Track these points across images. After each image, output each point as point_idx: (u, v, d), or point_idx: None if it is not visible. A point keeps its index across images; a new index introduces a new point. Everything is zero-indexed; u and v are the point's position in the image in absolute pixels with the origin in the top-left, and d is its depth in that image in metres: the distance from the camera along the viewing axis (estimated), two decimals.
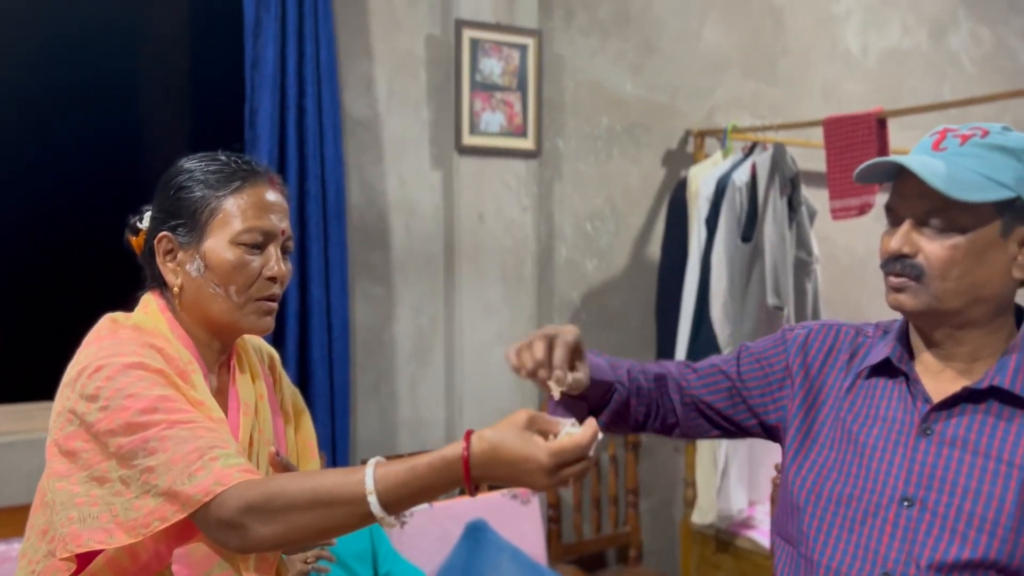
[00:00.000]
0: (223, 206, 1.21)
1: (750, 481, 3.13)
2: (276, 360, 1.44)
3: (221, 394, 1.26)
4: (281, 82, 2.48)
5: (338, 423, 2.60)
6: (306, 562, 1.44)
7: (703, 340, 2.94)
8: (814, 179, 3.27)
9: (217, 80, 2.78)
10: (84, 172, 2.71)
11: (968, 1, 4.01)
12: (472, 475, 0.98)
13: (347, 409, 2.63)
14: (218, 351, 1.26)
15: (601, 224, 3.17)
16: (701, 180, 3.02)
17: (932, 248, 1.10)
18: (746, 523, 3.16)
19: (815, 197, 3.11)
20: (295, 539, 1.04)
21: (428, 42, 2.80)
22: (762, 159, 2.93)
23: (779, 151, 2.91)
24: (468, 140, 2.84)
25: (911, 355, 1.19)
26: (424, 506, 2.62)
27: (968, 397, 1.13)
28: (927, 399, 1.15)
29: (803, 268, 3.00)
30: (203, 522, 1.05)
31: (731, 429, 1.33)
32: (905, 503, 1.11)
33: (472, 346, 2.88)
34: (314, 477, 1.05)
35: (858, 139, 2.65)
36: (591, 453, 0.99)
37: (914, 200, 1.11)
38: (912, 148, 1.18)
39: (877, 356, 1.20)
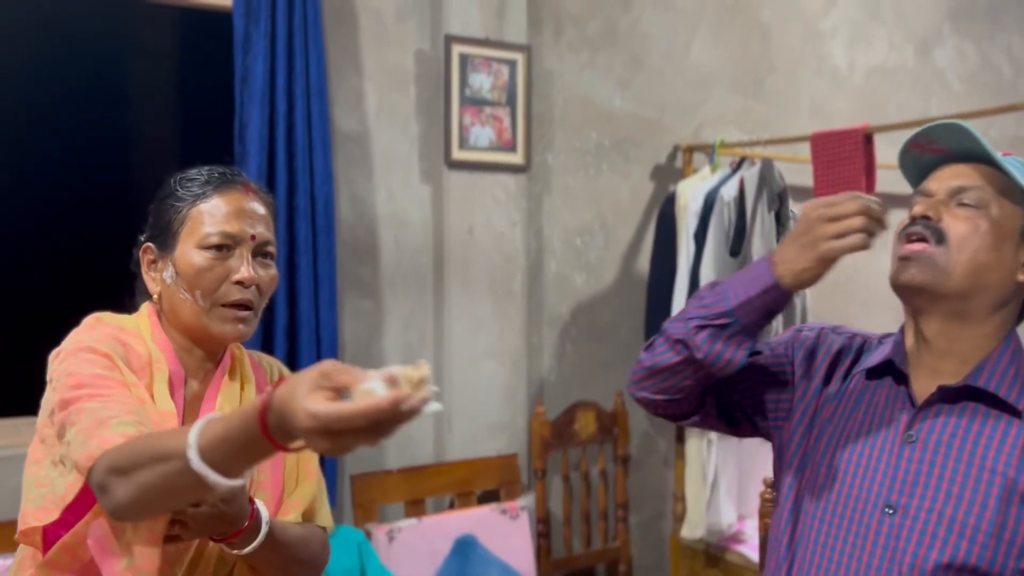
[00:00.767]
0: (192, 213, 1.25)
1: (739, 495, 3.13)
2: (285, 374, 1.43)
3: (200, 400, 1.28)
4: (271, 97, 2.49)
5: None
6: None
7: None
8: (801, 194, 3.29)
9: (206, 95, 2.78)
10: (73, 188, 2.71)
11: (953, 18, 4.05)
12: (268, 423, 0.88)
13: None
14: (201, 358, 1.28)
15: (590, 238, 3.18)
16: (689, 195, 3.03)
17: (956, 220, 1.14)
18: (735, 537, 3.16)
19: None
20: (146, 500, 1.00)
21: (418, 57, 2.82)
22: (750, 174, 2.94)
23: (767, 166, 2.93)
24: (457, 155, 2.85)
25: (907, 359, 1.21)
26: (412, 521, 2.62)
27: (945, 398, 1.14)
28: (914, 403, 1.16)
29: None
30: (93, 491, 1.06)
31: (736, 425, 1.34)
32: (888, 510, 1.12)
33: (461, 360, 2.88)
34: (158, 435, 1.04)
35: (845, 154, 2.67)
36: (397, 420, 0.81)
37: (951, 180, 1.16)
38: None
39: (875, 359, 1.22)
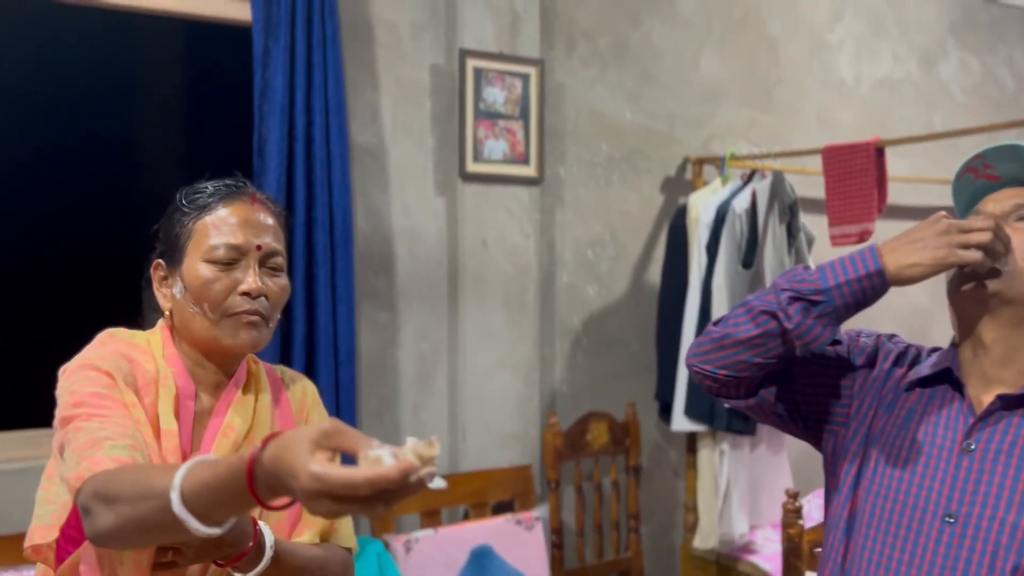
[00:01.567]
0: (197, 227, 1.24)
1: (751, 506, 3.14)
2: (309, 396, 1.40)
3: (208, 414, 1.26)
4: (290, 111, 2.51)
5: None
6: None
7: None
8: (810, 206, 3.32)
9: (222, 108, 2.80)
10: (90, 201, 2.72)
11: (957, 32, 4.10)
12: (256, 479, 0.86)
13: None
14: (214, 372, 1.27)
15: (601, 250, 3.20)
16: (701, 207, 3.06)
17: (1018, 234, 1.17)
18: (747, 548, 3.17)
19: (811, 223, 3.16)
20: (126, 534, 0.98)
21: (433, 71, 2.84)
22: (762, 186, 2.97)
23: (778, 178, 2.96)
24: (472, 167, 2.87)
25: (961, 368, 1.23)
26: (429, 531, 2.63)
27: (1006, 406, 1.16)
28: (972, 411, 1.18)
29: None
30: (80, 511, 1.04)
31: (788, 422, 1.34)
32: (948, 519, 1.14)
33: (475, 372, 2.90)
34: (148, 469, 1.01)
35: (856, 167, 2.70)
36: (400, 494, 0.80)
37: (1009, 200, 1.20)
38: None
39: (928, 368, 1.24)
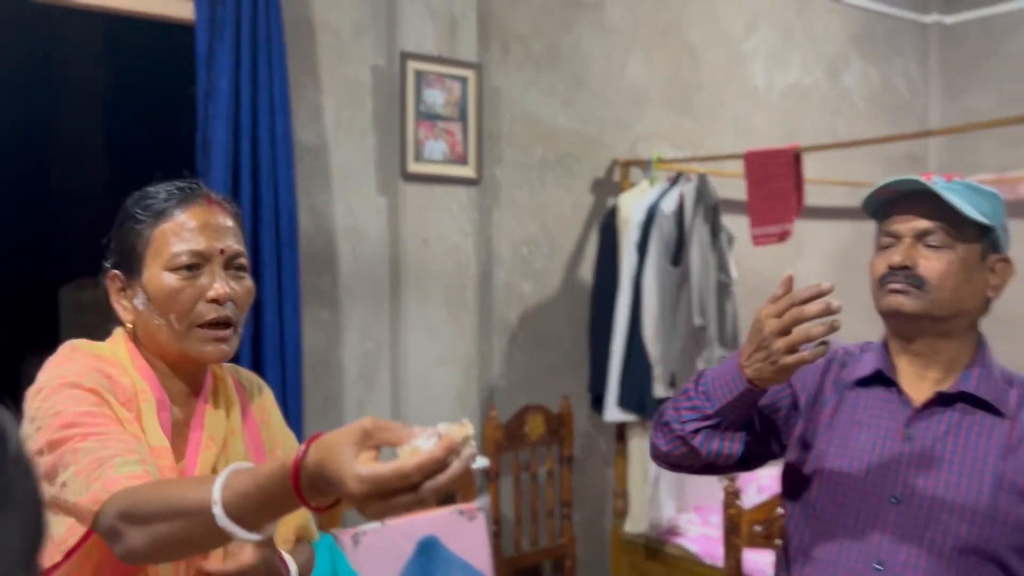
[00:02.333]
0: (155, 234, 1.19)
1: (678, 491, 3.32)
2: (267, 397, 1.40)
3: (186, 427, 1.23)
4: (235, 111, 2.52)
5: None
6: None
7: (635, 358, 3.12)
8: (729, 207, 3.51)
9: (165, 107, 2.79)
10: (24, 203, 2.67)
11: (858, 43, 4.38)
12: (301, 485, 0.87)
13: (299, 433, 2.67)
14: (183, 383, 1.24)
15: (536, 248, 3.31)
16: (631, 208, 3.20)
17: (931, 262, 1.30)
18: (673, 531, 3.34)
19: (731, 224, 3.35)
20: (162, 550, 0.98)
21: (374, 73, 2.89)
22: (688, 188, 3.14)
23: (703, 181, 3.13)
24: (413, 167, 2.93)
25: (894, 368, 1.38)
26: (376, 524, 2.69)
27: (941, 401, 1.32)
28: (909, 405, 1.33)
29: (724, 290, 3.23)
30: (100, 534, 1.02)
31: (750, 463, 1.43)
32: (893, 500, 1.29)
33: (417, 368, 2.96)
34: (176, 485, 1.01)
35: (776, 171, 2.89)
36: (449, 474, 0.80)
37: (916, 221, 1.31)
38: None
39: (864, 369, 1.38)
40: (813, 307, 1.18)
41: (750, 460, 1.39)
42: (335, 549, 2.48)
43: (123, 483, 1.00)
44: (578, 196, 3.42)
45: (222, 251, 1.20)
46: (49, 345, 1.25)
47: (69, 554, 1.08)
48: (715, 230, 3.18)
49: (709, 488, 3.46)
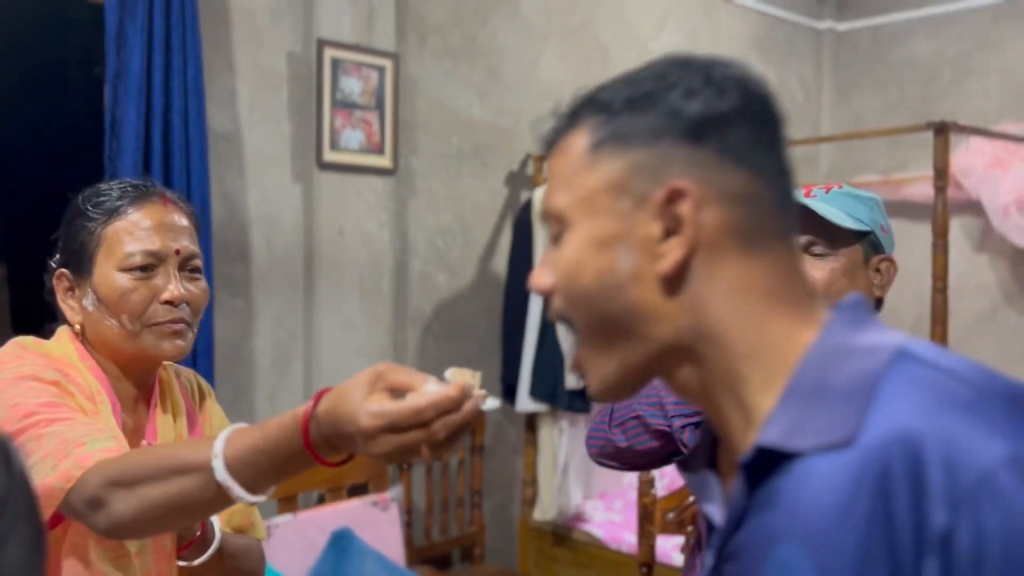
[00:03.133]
0: (107, 233, 1.16)
1: (585, 479, 3.41)
2: (209, 396, 1.37)
3: (137, 434, 1.20)
4: (147, 94, 2.44)
5: None
6: None
7: (547, 350, 3.18)
8: None
9: (70, 88, 2.67)
10: None
11: (759, 46, 4.56)
12: (311, 436, 0.85)
13: None
14: (133, 387, 1.21)
15: (451, 239, 3.33)
16: None
17: (815, 271, 1.36)
18: (579, 517, 3.44)
19: None
20: (152, 516, 0.95)
21: (290, 59, 2.84)
22: None
23: None
24: (328, 156, 2.90)
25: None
26: (288, 516, 2.66)
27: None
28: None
29: None
30: (72, 511, 0.99)
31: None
32: None
33: (331, 358, 2.94)
34: (172, 445, 1.00)
35: None
36: (463, 413, 0.81)
37: (803, 236, 1.37)
38: None
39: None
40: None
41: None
42: None
43: (98, 456, 0.97)
44: (493, 188, 3.46)
45: (177, 251, 1.18)
46: None
47: None
48: None
49: (614, 475, 3.57)
